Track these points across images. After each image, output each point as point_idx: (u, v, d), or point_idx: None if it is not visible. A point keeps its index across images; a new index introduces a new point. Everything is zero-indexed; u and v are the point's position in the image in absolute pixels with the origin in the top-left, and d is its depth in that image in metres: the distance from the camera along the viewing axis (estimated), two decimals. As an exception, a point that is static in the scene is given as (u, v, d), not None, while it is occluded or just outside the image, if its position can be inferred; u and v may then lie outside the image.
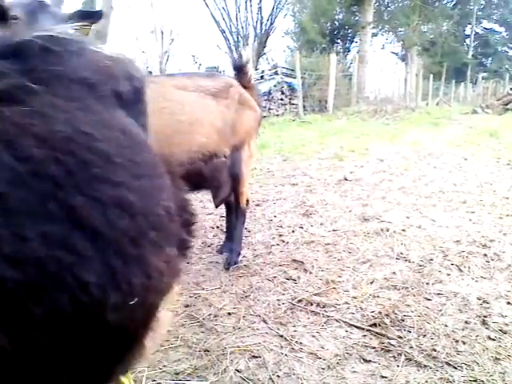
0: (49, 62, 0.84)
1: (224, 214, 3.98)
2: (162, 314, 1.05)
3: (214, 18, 24.46)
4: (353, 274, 3.03)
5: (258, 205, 4.76)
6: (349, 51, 25.32)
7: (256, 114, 3.36)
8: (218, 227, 4.14)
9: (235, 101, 3.13)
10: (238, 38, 24.48)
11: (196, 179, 2.94)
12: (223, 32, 24.63)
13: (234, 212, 3.44)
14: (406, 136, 9.56)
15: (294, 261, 3.26)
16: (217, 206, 3.43)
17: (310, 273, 3.06)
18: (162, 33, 18.44)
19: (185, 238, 1.07)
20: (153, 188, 0.88)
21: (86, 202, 0.71)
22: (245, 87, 3.30)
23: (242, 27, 24.39)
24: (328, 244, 3.58)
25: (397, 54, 26.53)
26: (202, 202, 4.90)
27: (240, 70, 3.40)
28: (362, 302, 2.65)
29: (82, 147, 0.74)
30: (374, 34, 23.45)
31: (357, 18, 23.03)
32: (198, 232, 1.17)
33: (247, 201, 3.40)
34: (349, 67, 20.89)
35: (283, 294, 2.79)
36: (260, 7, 24.16)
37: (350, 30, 25.08)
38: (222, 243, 3.65)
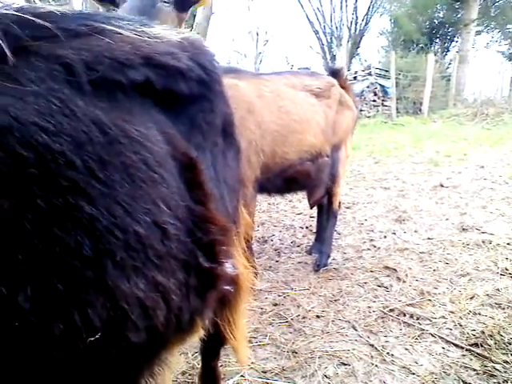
0: (24, 36, 0.71)
1: (313, 214, 3.94)
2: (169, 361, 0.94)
3: (308, 18, 24.41)
4: (450, 287, 2.83)
5: (348, 207, 4.66)
6: (448, 51, 23.93)
7: (353, 113, 3.32)
8: (307, 227, 4.10)
9: (336, 101, 3.11)
10: (331, 38, 24.20)
11: (303, 180, 2.97)
12: (316, 33, 24.48)
13: (326, 213, 3.39)
14: (511, 142, 8.83)
15: (386, 268, 3.13)
16: (312, 207, 3.40)
17: (404, 281, 2.91)
18: (258, 34, 18.75)
19: (200, 263, 0.91)
20: (132, 198, 0.74)
21: (14, 208, 0.59)
22: (341, 87, 3.26)
23: (337, 28, 24.07)
24: (423, 253, 3.39)
25: (503, 52, 24.54)
26: (291, 202, 4.90)
27: (336, 73, 3.36)
28: (460, 318, 2.46)
29: (16, 140, 0.61)
30: (478, 32, 21.88)
31: (459, 16, 21.70)
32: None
33: (339, 202, 3.34)
34: (447, 68, 19.77)
35: (374, 302, 2.68)
36: (355, 7, 23.69)
37: (450, 29, 23.66)
38: (311, 244, 3.61)
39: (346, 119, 3.19)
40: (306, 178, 2.95)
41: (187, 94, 0.98)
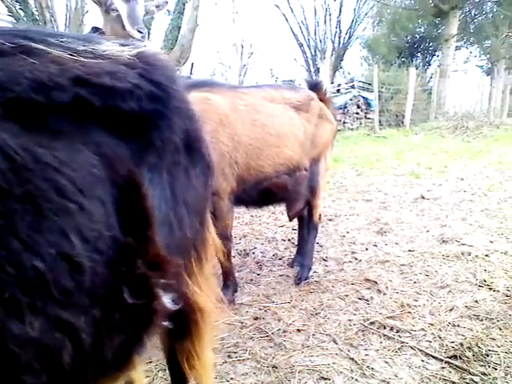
0: None
1: (295, 227, 3.94)
2: None
3: (292, 31, 24.64)
4: (430, 299, 2.85)
5: (330, 219, 4.67)
6: (429, 65, 24.43)
7: (333, 126, 3.34)
8: (289, 240, 4.10)
9: (315, 114, 3.13)
10: (315, 51, 24.46)
11: (280, 192, 2.97)
12: (301, 46, 24.72)
13: (306, 226, 3.39)
14: (490, 154, 8.98)
15: (367, 280, 3.14)
16: (291, 220, 3.40)
17: (384, 294, 2.92)
18: (242, 46, 18.90)
19: (124, 298, 0.83)
20: (35, 230, 0.67)
21: None
22: (320, 100, 3.29)
23: (320, 41, 24.35)
24: (403, 265, 3.41)
25: (482, 67, 25.15)
26: (274, 214, 4.90)
27: (315, 87, 3.39)
28: (440, 330, 2.48)
29: None
30: (458, 47, 22.39)
31: (439, 31, 22.20)
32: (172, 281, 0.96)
33: (319, 215, 3.34)
34: (428, 81, 20.15)
35: (355, 315, 2.68)
36: (339, 21, 23.98)
37: (431, 44, 24.19)
38: (293, 256, 3.61)
39: (325, 132, 3.21)
40: (283, 190, 2.96)
41: (136, 112, 0.92)
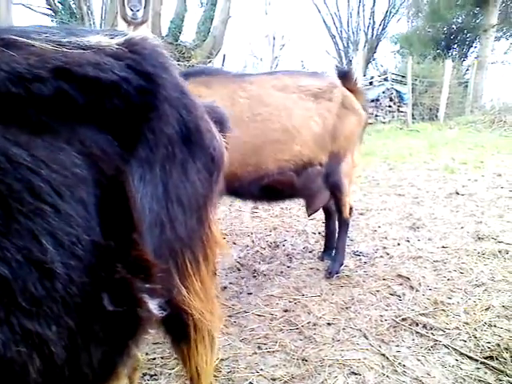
0: None
1: (326, 220, 3.90)
2: None
3: (325, 23, 24.42)
4: (465, 297, 2.78)
5: (361, 214, 4.61)
6: (466, 57, 23.64)
7: (360, 118, 3.07)
8: (319, 233, 4.06)
9: (338, 104, 2.91)
10: (347, 43, 24.17)
11: (286, 189, 2.82)
12: (333, 37, 24.47)
13: (337, 221, 3.32)
14: (529, 150, 8.68)
15: (399, 276, 3.08)
16: (309, 215, 3.30)
17: (417, 290, 2.87)
18: (274, 38, 18.84)
19: (104, 306, 0.78)
20: (4, 232, 0.64)
21: None
22: (350, 90, 3.07)
23: (353, 32, 24.06)
24: (437, 261, 3.34)
25: (522, 59, 24.20)
26: (304, 207, 4.86)
27: (344, 75, 3.15)
28: (475, 329, 2.41)
29: None
30: (497, 38, 21.57)
31: (478, 21, 21.45)
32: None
33: (350, 209, 3.25)
34: (465, 74, 19.55)
35: (386, 310, 2.64)
36: (373, 12, 23.59)
37: (468, 34, 23.42)
38: (323, 249, 3.57)
39: (349, 125, 2.98)
40: (289, 187, 2.80)
41: (124, 106, 0.88)
